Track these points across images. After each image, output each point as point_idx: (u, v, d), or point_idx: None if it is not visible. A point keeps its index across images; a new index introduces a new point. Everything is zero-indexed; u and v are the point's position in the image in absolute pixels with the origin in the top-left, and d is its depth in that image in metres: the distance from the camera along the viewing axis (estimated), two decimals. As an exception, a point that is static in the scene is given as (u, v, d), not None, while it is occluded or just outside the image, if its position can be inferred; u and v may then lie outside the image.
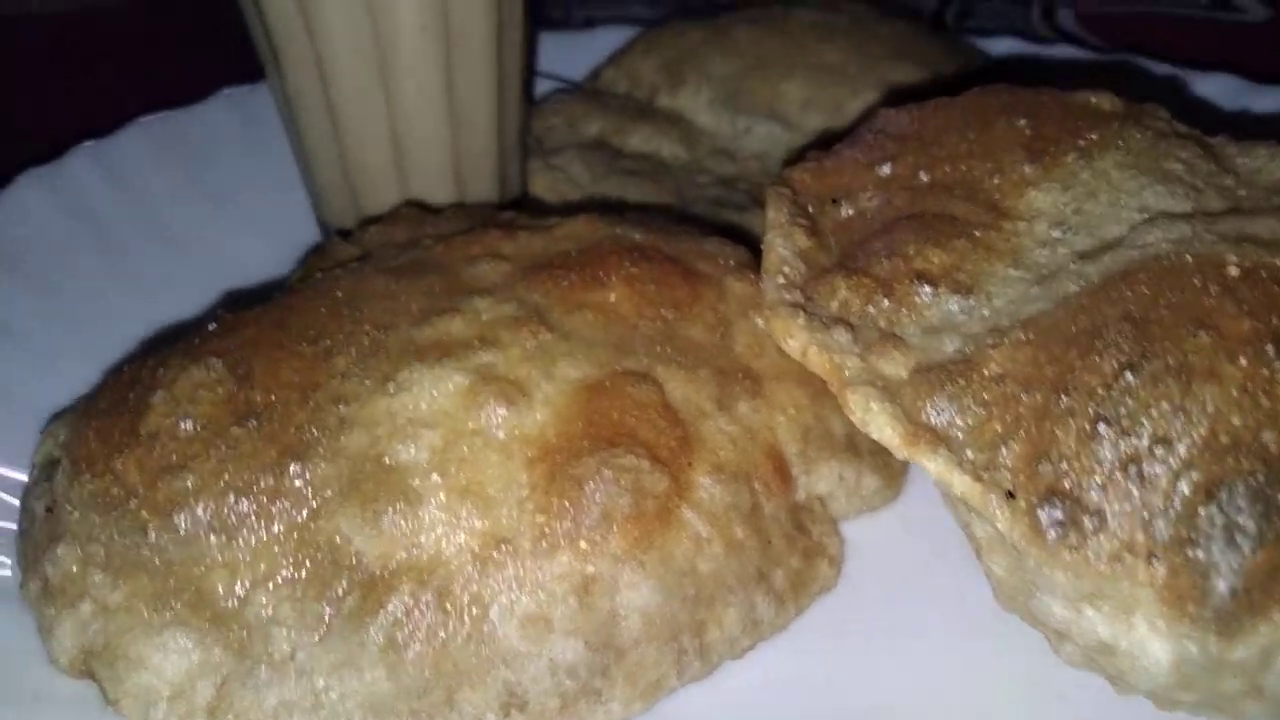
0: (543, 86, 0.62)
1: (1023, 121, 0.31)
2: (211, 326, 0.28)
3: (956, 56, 0.56)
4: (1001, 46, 0.61)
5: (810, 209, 0.32)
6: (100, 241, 0.44)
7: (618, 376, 0.27)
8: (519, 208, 0.49)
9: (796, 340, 0.26)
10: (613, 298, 0.29)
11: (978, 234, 0.28)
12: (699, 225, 0.42)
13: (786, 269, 0.28)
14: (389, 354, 0.26)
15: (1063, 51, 0.61)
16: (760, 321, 0.30)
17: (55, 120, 0.61)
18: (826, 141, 0.37)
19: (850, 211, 0.31)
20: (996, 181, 0.30)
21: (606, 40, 0.65)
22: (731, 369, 0.29)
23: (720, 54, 0.54)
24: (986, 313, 0.26)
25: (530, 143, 0.51)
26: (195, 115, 0.53)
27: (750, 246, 0.44)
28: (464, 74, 0.41)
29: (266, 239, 0.46)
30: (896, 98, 0.41)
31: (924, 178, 0.31)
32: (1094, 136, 0.30)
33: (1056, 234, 0.28)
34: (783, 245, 0.28)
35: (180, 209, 0.47)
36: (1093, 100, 0.32)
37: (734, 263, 0.33)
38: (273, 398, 0.25)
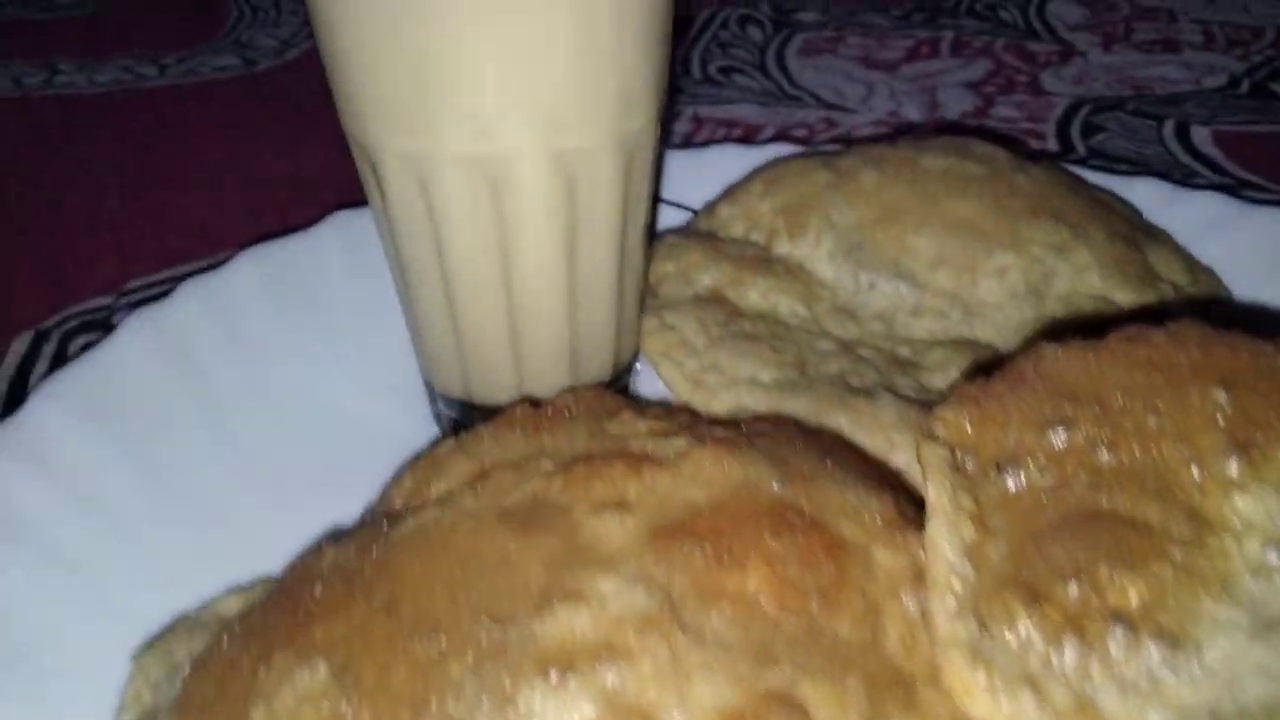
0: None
1: (1221, 395, 0.28)
2: (317, 590, 0.26)
3: (1098, 211, 0.52)
4: (1141, 192, 0.57)
5: (969, 467, 0.28)
6: (204, 399, 0.43)
7: (759, 701, 0.24)
8: (628, 373, 0.47)
9: (978, 708, 0.22)
10: (752, 585, 0.26)
11: (1178, 554, 0.24)
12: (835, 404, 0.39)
13: (956, 585, 0.25)
14: (508, 660, 0.24)
15: (1214, 204, 0.57)
16: (909, 604, 0.27)
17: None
18: (978, 369, 0.34)
19: (1019, 484, 0.28)
20: (1195, 475, 0.26)
21: (718, 162, 0.63)
22: (882, 674, 0.26)
23: (845, 201, 0.51)
24: (1199, 671, 0.22)
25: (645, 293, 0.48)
26: (305, 243, 0.51)
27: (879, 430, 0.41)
28: (587, 256, 0.39)
29: (375, 394, 0.45)
30: (1057, 332, 0.37)
31: (1106, 457, 0.27)
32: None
33: (1274, 558, 0.24)
34: (950, 547, 0.25)
35: (288, 359, 0.46)
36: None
37: (881, 521, 0.30)
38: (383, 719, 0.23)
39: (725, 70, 0.90)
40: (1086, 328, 0.34)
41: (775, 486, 0.30)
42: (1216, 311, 0.50)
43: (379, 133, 0.36)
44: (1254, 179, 0.68)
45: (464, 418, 0.43)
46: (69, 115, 0.84)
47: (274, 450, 0.42)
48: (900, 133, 0.74)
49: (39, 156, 0.77)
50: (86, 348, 0.46)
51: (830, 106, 0.82)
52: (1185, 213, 0.56)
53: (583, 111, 0.35)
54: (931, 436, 0.30)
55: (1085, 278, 0.50)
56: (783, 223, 0.52)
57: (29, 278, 0.60)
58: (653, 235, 0.48)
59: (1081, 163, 0.66)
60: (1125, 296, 0.49)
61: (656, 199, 0.47)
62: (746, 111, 0.81)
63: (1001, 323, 0.49)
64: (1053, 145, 0.74)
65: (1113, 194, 0.56)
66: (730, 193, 0.56)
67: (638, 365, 0.48)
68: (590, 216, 0.38)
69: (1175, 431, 0.27)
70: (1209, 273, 0.52)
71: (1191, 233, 0.55)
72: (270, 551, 0.34)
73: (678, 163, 0.64)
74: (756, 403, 0.43)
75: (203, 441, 0.41)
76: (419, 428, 0.45)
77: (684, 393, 0.44)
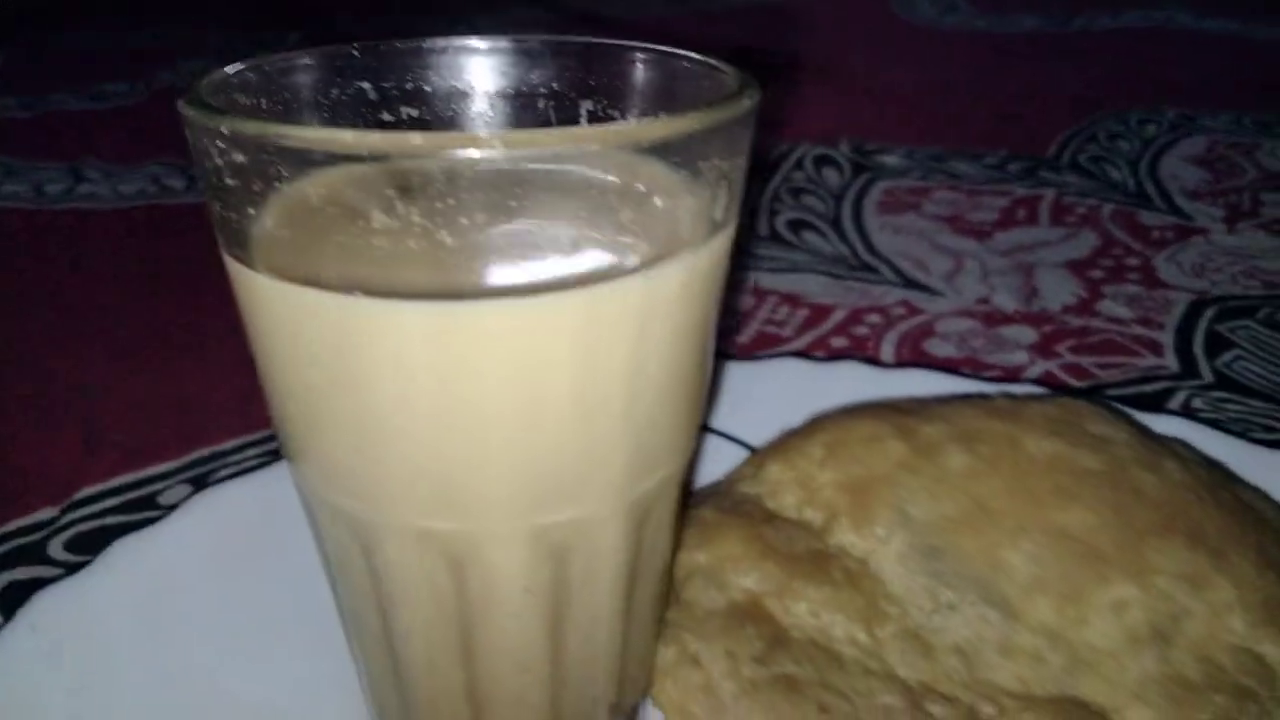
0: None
1: None
2: None
3: (1245, 525, 0.41)
4: (1294, 475, 0.47)
5: None
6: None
7: None
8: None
9: None
10: None
11: None
12: None
13: None
14: None
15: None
16: None
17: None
18: None
19: None
20: None
21: (777, 380, 0.54)
22: None
23: (924, 489, 0.42)
24: None
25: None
26: (262, 490, 0.43)
27: None
28: (579, 630, 0.30)
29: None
30: None
31: None
32: None
33: None
34: None
35: (219, 645, 0.38)
36: None
37: None
38: None
39: (795, 225, 0.81)
40: None
41: None
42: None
43: (314, 487, 0.27)
44: None
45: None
46: (86, 230, 0.79)
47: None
48: (983, 371, 0.64)
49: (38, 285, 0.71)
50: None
51: (910, 284, 0.73)
52: (1347, 510, 0.45)
53: (578, 484, 0.26)
54: None
55: (1225, 622, 0.39)
56: (845, 504, 0.43)
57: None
58: (676, 550, 0.39)
59: (1198, 420, 0.56)
60: (1277, 651, 0.39)
61: (679, 534, 0.37)
62: (814, 286, 0.72)
63: (1115, 678, 0.38)
64: (1171, 364, 0.63)
65: (1261, 492, 0.45)
66: (785, 449, 0.46)
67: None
68: (585, 589, 0.29)
69: None
70: (1386, 616, 0.41)
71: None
72: None
73: (730, 376, 0.55)
74: (792, 799, 0.33)
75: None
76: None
77: (700, 773, 0.34)
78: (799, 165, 0.92)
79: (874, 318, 0.68)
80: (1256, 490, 0.45)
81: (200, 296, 0.66)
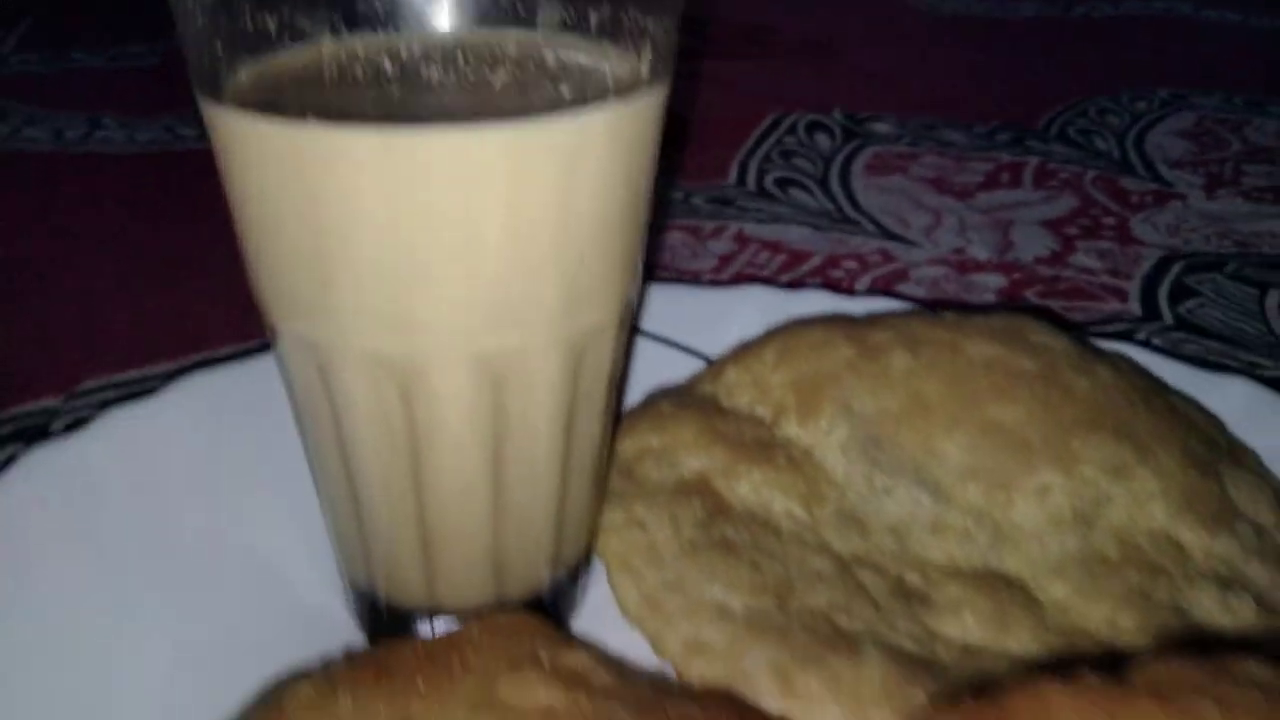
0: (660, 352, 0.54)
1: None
2: None
3: (1174, 427, 0.44)
4: (1233, 395, 0.49)
5: None
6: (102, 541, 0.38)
7: None
8: (577, 580, 0.40)
9: None
10: None
11: None
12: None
13: None
14: None
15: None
16: None
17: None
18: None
19: None
20: None
21: (745, 305, 0.57)
22: None
23: (867, 386, 0.44)
24: None
25: (616, 476, 0.42)
26: (249, 372, 0.46)
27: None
28: (518, 464, 0.32)
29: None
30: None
31: None
32: None
33: None
34: None
35: (206, 503, 0.41)
36: None
37: None
38: None
39: (783, 183, 0.84)
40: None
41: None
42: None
43: (279, 316, 0.30)
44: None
45: (370, 615, 0.37)
46: (101, 170, 0.82)
47: (173, 601, 0.37)
48: (947, 305, 0.67)
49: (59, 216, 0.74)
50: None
51: (890, 236, 0.75)
52: (1280, 428, 0.47)
53: (513, 312, 0.29)
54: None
55: (1146, 509, 0.41)
56: (794, 400, 0.45)
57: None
58: (618, 419, 0.41)
59: (1147, 347, 0.58)
60: (1193, 537, 0.41)
61: (621, 389, 0.40)
62: (796, 235, 0.75)
63: (1038, 555, 0.40)
64: (1135, 309, 0.65)
65: (1194, 402, 0.47)
66: (742, 354, 0.49)
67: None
68: (523, 422, 0.31)
69: None
70: (1303, 514, 0.43)
71: (1286, 455, 0.46)
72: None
73: (700, 301, 0.58)
74: (718, 639, 0.36)
75: (95, 585, 0.36)
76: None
77: (635, 616, 0.37)
78: (791, 130, 0.95)
79: (850, 264, 0.71)
80: (1191, 400, 0.47)
81: (205, 226, 0.69)
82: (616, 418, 0.39)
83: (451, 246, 0.28)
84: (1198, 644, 0.37)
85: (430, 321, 0.29)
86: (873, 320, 0.48)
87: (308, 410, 0.33)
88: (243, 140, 0.28)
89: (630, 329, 0.36)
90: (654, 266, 0.69)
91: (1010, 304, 0.66)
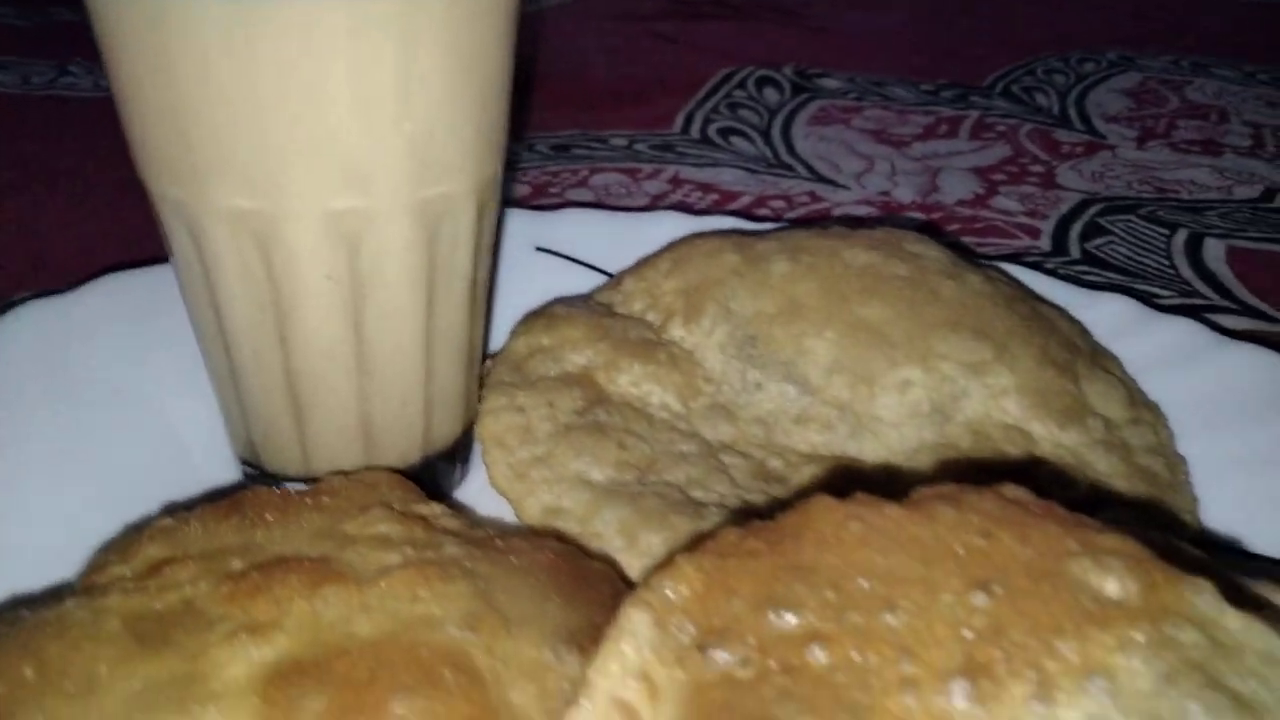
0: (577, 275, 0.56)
1: (980, 599, 0.23)
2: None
3: (1034, 330, 0.46)
4: (1108, 310, 0.51)
5: (684, 638, 0.24)
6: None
7: None
8: (456, 460, 0.42)
9: None
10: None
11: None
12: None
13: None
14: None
15: (1185, 332, 0.50)
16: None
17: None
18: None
19: (715, 668, 0.23)
20: (907, 702, 0.21)
21: (657, 230, 0.59)
22: None
23: (747, 289, 0.47)
24: None
25: (505, 370, 0.44)
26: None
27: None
28: (377, 329, 0.35)
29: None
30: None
31: (818, 657, 0.22)
32: (1074, 658, 0.21)
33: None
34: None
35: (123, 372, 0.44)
36: (1100, 584, 0.23)
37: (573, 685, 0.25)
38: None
39: (725, 132, 0.86)
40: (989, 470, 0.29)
41: (453, 631, 0.26)
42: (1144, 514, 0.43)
43: (149, 176, 0.33)
44: (1260, 306, 0.60)
45: (256, 483, 0.39)
46: (64, 113, 0.85)
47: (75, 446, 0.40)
48: (842, 220, 0.69)
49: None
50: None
51: (820, 179, 0.77)
52: (1151, 340, 0.50)
53: (359, 175, 0.31)
54: (642, 601, 0.25)
55: (1000, 403, 0.44)
56: (680, 305, 0.48)
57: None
58: (489, 315, 0.44)
59: (1031, 268, 0.60)
60: (1043, 429, 0.43)
61: (493, 273, 0.42)
62: (730, 177, 0.77)
63: (895, 444, 0.43)
64: (1045, 245, 0.68)
65: (1062, 311, 0.50)
66: (639, 265, 0.51)
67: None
68: (381, 287, 0.34)
69: (907, 639, 0.22)
70: (1152, 411, 0.46)
71: (1152, 363, 0.48)
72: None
73: (616, 227, 0.60)
74: (576, 504, 0.38)
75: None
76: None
77: (502, 484, 0.39)
78: (741, 85, 0.97)
79: (778, 203, 0.73)
80: (1060, 309, 0.50)
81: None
82: (493, 308, 0.42)
83: (298, 111, 0.30)
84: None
85: (282, 181, 0.31)
86: (768, 233, 0.51)
87: (185, 275, 0.35)
88: (106, 10, 0.30)
89: (499, 206, 0.38)
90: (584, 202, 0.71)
91: (897, 218, 0.69)
